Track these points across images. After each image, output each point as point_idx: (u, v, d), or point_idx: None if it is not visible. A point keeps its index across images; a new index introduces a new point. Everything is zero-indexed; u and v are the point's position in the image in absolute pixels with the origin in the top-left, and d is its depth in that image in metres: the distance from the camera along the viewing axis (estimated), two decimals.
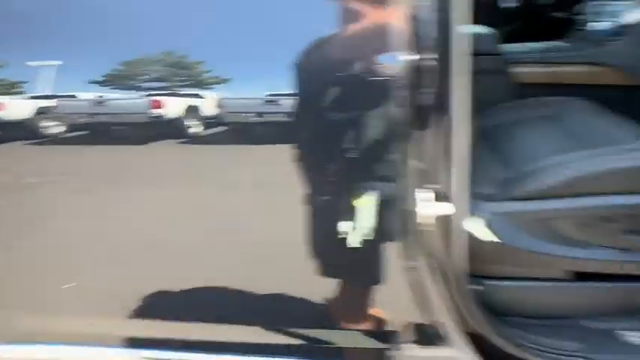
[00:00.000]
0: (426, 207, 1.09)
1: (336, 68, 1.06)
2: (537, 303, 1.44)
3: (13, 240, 1.23)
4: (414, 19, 1.06)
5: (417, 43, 1.05)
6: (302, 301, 1.19)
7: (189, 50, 1.12)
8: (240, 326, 1.22)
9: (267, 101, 1.10)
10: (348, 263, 1.16)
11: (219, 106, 1.12)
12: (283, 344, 1.21)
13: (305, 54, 1.05)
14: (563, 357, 1.30)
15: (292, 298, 1.19)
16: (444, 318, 1.19)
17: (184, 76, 1.14)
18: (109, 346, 1.27)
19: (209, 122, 1.13)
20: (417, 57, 1.05)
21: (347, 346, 1.23)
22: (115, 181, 1.18)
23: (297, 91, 1.06)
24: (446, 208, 1.09)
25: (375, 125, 1.07)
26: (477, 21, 2.22)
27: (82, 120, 1.17)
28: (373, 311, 1.19)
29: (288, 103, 1.08)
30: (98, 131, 1.19)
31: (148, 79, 1.14)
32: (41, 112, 1.17)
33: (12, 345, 1.27)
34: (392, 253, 1.13)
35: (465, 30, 1.06)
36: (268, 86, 1.09)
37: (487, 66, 2.04)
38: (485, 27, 2.18)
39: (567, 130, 1.66)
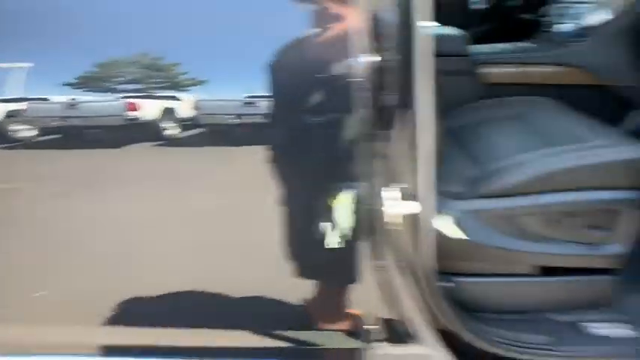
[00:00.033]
0: (393, 206, 1.10)
1: (303, 70, 1.07)
2: (506, 298, 1.48)
3: None
4: (377, 20, 1.06)
5: (380, 43, 1.06)
6: (281, 304, 1.19)
7: (165, 52, 1.11)
8: (220, 331, 1.22)
9: (245, 103, 1.10)
10: (324, 263, 1.16)
11: (196, 108, 1.11)
12: (262, 347, 1.21)
13: (276, 55, 1.05)
14: (531, 350, 1.33)
15: (271, 301, 1.19)
16: (415, 316, 1.20)
17: (160, 77, 1.13)
18: (85, 356, 1.25)
19: (186, 124, 1.12)
20: (381, 58, 1.06)
21: (325, 346, 1.23)
22: (90, 186, 1.15)
23: (270, 93, 1.07)
24: (413, 207, 1.11)
25: (341, 126, 1.07)
26: (447, 22, 2.28)
27: (54, 123, 1.14)
28: (351, 310, 1.20)
29: (264, 105, 1.08)
30: (71, 135, 1.15)
31: (123, 81, 1.12)
32: (11, 116, 1.14)
33: None
34: (364, 252, 1.14)
35: (429, 30, 1.07)
36: (245, 88, 1.09)
37: (456, 67, 2.07)
38: (455, 28, 2.22)
39: (533, 129, 1.69)
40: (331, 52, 1.05)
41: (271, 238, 1.12)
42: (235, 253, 1.16)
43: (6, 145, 1.16)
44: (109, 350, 1.25)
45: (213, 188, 1.14)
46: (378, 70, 1.06)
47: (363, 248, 1.13)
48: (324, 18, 1.06)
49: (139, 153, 1.15)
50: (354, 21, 1.03)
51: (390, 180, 1.11)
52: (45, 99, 1.13)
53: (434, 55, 1.08)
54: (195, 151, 1.14)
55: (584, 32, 2.15)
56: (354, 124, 1.06)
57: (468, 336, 1.28)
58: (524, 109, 1.87)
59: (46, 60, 1.12)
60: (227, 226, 1.15)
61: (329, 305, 1.20)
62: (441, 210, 1.36)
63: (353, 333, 1.21)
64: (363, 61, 1.04)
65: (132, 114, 1.12)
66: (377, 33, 1.06)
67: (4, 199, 1.17)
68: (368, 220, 1.10)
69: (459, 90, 2.02)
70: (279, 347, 1.21)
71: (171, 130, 1.12)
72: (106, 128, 1.15)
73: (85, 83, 1.12)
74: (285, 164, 1.10)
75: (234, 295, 1.18)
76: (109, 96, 1.13)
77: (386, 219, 1.10)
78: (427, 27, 1.07)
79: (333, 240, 1.09)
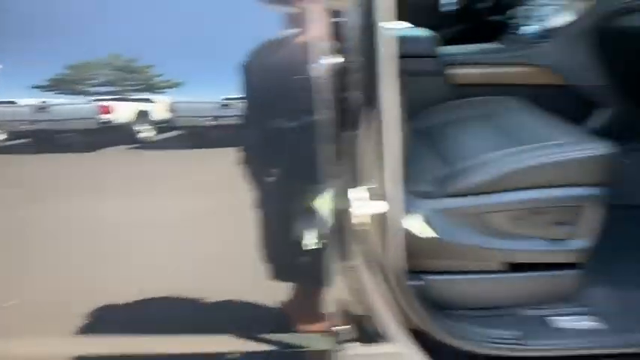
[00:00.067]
0: (361, 206, 1.10)
1: (269, 71, 1.06)
2: (475, 295, 1.50)
3: None
4: (341, 21, 1.07)
5: (344, 44, 1.06)
6: (258, 307, 1.18)
7: (139, 53, 1.09)
8: (195, 336, 1.20)
9: (220, 105, 1.09)
10: (297, 265, 1.15)
11: (171, 110, 1.10)
12: (240, 351, 1.21)
13: (246, 57, 1.05)
14: (501, 345, 1.36)
15: (248, 304, 1.18)
16: (386, 315, 1.21)
17: (134, 80, 1.11)
18: None
19: (161, 127, 1.10)
20: (345, 59, 1.06)
21: (297, 349, 1.23)
22: (61, 192, 1.12)
23: (241, 94, 1.07)
24: (380, 207, 1.11)
25: (306, 127, 1.07)
26: (418, 24, 2.30)
27: (23, 127, 1.10)
28: (323, 311, 1.20)
29: (238, 107, 1.07)
30: (41, 139, 1.12)
31: (96, 83, 1.10)
32: None
33: None
34: (334, 253, 1.14)
35: (392, 31, 1.08)
36: (221, 90, 1.08)
37: (425, 67, 2.11)
38: (426, 30, 2.25)
39: (500, 128, 1.72)
40: (296, 54, 1.05)
41: (248, 240, 1.12)
42: (212, 257, 1.15)
43: None
44: None
45: (188, 191, 1.12)
46: (342, 71, 1.06)
47: (333, 249, 1.13)
48: (290, 20, 1.06)
49: (113, 157, 1.13)
50: (318, 23, 1.04)
51: (358, 180, 1.11)
52: (13, 102, 1.10)
53: (400, 56, 1.09)
54: (170, 154, 1.13)
55: (548, 33, 2.20)
56: (319, 126, 1.06)
57: (439, 334, 1.30)
58: (491, 109, 1.90)
59: (15, 61, 1.09)
60: (203, 229, 1.14)
61: (303, 307, 1.20)
62: (410, 209, 1.38)
63: (327, 334, 1.21)
64: (326, 62, 1.04)
65: (105, 117, 1.10)
66: (339, 34, 1.06)
67: None
68: (337, 221, 1.10)
69: (428, 91, 2.05)
70: (254, 351, 1.20)
71: (146, 132, 1.11)
72: (79, 132, 1.12)
73: (56, 85, 1.09)
74: (256, 166, 1.10)
75: (210, 300, 1.17)
76: (81, 99, 1.10)
77: (354, 219, 1.11)
78: (390, 28, 1.08)
79: (311, 241, 1.09)
